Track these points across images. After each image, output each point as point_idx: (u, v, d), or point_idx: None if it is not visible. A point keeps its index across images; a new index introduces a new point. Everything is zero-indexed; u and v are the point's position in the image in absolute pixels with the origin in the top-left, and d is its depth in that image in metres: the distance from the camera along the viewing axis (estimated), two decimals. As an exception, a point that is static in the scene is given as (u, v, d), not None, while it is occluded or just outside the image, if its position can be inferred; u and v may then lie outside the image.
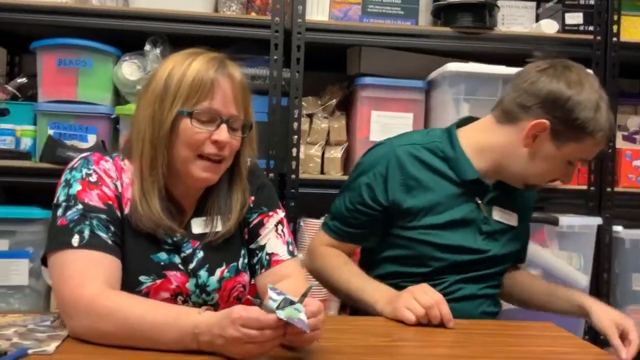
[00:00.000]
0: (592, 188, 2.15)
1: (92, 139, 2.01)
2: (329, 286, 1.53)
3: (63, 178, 1.19)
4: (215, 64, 1.18)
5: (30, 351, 0.95)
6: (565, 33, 2.17)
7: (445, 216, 1.45)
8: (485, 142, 1.46)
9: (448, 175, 1.47)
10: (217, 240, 1.26)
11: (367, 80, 2.09)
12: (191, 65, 1.17)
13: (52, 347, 0.99)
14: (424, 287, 1.31)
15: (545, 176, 1.44)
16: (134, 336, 1.01)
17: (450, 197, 1.46)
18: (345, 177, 2.06)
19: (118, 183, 1.20)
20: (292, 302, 0.94)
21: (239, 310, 0.93)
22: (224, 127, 1.17)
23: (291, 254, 1.32)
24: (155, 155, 1.18)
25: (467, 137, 1.49)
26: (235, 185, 1.29)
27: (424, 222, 1.44)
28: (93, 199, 1.15)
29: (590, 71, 1.96)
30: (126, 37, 2.06)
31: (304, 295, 0.97)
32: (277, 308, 0.92)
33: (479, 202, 1.46)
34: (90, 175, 1.17)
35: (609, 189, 2.15)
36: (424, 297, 1.27)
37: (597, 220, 2.08)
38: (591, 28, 2.16)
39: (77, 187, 1.16)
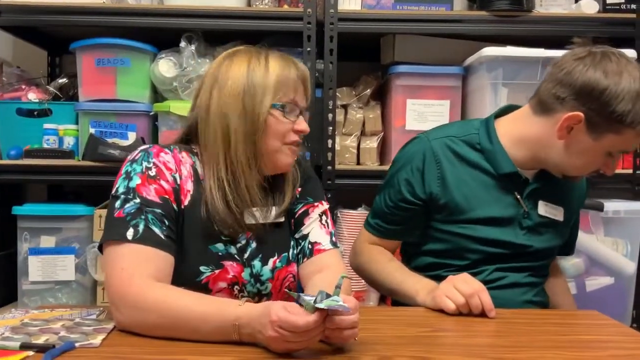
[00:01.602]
0: (637, 172, 2.09)
1: (132, 137, 2.05)
2: (372, 281, 1.53)
3: (123, 170, 1.23)
4: (290, 61, 1.28)
5: (77, 344, 0.98)
6: (606, 12, 2.10)
7: (484, 211, 1.42)
8: (522, 133, 1.42)
9: (485, 168, 1.44)
10: (269, 231, 1.29)
11: (402, 68, 2.07)
12: (269, 64, 1.25)
13: (98, 340, 1.01)
14: (465, 276, 1.30)
15: (584, 168, 1.39)
16: (179, 327, 1.03)
17: (488, 191, 1.43)
18: (382, 168, 2.06)
19: (177, 175, 1.24)
20: (328, 295, 0.94)
21: (278, 312, 0.94)
22: (303, 117, 1.28)
23: (334, 244, 1.34)
24: (249, 147, 1.23)
25: (505, 128, 1.45)
26: (286, 176, 1.33)
27: (462, 217, 1.42)
28: (150, 193, 1.18)
29: (634, 54, 1.93)
30: (162, 34, 2.09)
31: (338, 287, 0.97)
32: (315, 302, 0.92)
33: (518, 196, 1.43)
34: (150, 169, 1.21)
35: (655, 172, 2.08)
36: (464, 286, 1.26)
37: (644, 205, 2.02)
38: (634, 6, 2.08)
39: (136, 181, 1.19)
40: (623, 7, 2.10)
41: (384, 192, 1.52)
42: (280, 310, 0.94)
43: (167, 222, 1.18)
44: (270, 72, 1.23)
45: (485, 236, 1.42)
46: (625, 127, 1.28)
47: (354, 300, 0.99)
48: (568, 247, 1.64)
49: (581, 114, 1.30)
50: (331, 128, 2.04)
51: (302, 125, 1.27)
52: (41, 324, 1.10)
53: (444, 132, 1.49)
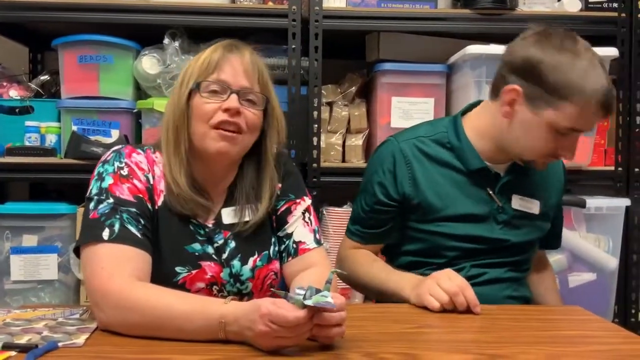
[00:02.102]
0: (619, 169, 2.11)
1: (115, 134, 2.03)
2: (360, 285, 1.53)
3: (96, 171, 1.22)
4: (224, 45, 1.24)
5: (60, 344, 0.97)
6: (589, 11, 2.12)
7: (457, 208, 1.43)
8: (484, 124, 1.43)
9: (456, 166, 1.45)
10: (248, 230, 1.27)
11: (387, 66, 2.07)
12: (204, 52, 1.24)
13: (81, 339, 1.01)
14: (449, 272, 1.29)
15: (537, 150, 1.34)
16: (162, 326, 1.02)
17: (460, 189, 1.44)
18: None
19: (150, 175, 1.22)
20: (318, 291, 0.94)
21: (268, 305, 0.94)
22: (233, 96, 1.21)
23: (318, 242, 1.33)
24: (177, 136, 1.23)
25: (471, 123, 1.46)
26: (263, 173, 1.30)
27: (436, 215, 1.43)
28: (124, 192, 1.17)
29: (615, 52, 1.95)
30: (145, 31, 2.07)
31: (328, 282, 0.98)
32: (304, 298, 0.93)
33: (490, 192, 1.43)
34: (122, 168, 1.20)
35: (636, 169, 2.10)
36: (447, 283, 1.25)
37: (625, 202, 2.05)
38: (615, 5, 2.10)
39: (109, 181, 1.18)
40: (605, 5, 2.12)
41: (360, 198, 1.53)
42: (271, 305, 0.94)
43: (142, 221, 1.17)
44: (200, 57, 1.23)
45: (460, 233, 1.43)
46: (562, 101, 1.26)
47: (342, 297, 0.99)
48: (553, 241, 1.64)
49: (518, 87, 1.31)
50: (316, 125, 2.04)
51: (228, 103, 1.19)
52: (23, 324, 1.09)
53: (412, 133, 1.50)
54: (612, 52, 1.96)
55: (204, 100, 1.20)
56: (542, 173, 1.49)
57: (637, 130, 2.10)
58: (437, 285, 1.26)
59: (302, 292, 0.94)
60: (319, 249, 1.33)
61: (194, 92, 1.22)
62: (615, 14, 2.10)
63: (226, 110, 1.19)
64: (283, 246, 1.33)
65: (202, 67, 1.22)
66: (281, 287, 1.34)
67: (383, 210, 1.47)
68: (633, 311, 2.08)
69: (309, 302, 0.92)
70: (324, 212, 2.10)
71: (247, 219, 1.27)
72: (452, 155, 1.45)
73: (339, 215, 2.08)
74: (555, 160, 1.41)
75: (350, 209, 1.98)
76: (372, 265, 1.48)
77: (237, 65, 1.23)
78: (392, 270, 1.44)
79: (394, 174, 1.45)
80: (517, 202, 1.46)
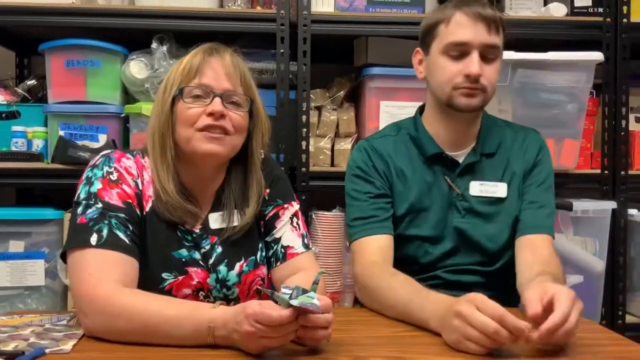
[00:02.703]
0: (605, 172, 2.13)
1: (102, 139, 2.02)
2: (378, 302, 1.31)
3: (84, 175, 1.21)
4: (205, 49, 1.24)
5: (47, 350, 0.97)
6: (575, 16, 2.14)
7: (420, 201, 1.46)
8: (428, 106, 1.54)
9: (417, 156, 1.50)
10: (235, 235, 1.27)
11: (375, 70, 2.08)
12: (186, 57, 1.25)
13: (68, 346, 1.00)
14: (475, 300, 1.01)
15: (444, 80, 1.42)
16: (149, 332, 1.02)
17: (422, 178, 1.47)
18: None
19: (139, 180, 1.22)
20: (304, 291, 0.94)
21: (254, 306, 0.94)
22: (217, 100, 1.20)
23: (306, 246, 1.33)
24: (163, 142, 1.22)
25: (425, 113, 1.55)
26: (249, 178, 1.30)
27: (403, 208, 1.46)
28: (113, 197, 1.16)
29: (601, 56, 1.96)
30: (133, 35, 2.06)
31: (315, 282, 0.98)
32: (290, 298, 0.93)
33: (449, 180, 1.46)
34: (111, 173, 1.19)
35: (622, 172, 2.12)
36: (479, 320, 0.99)
37: (612, 204, 2.06)
38: (600, 10, 2.13)
39: (97, 185, 1.17)
40: (590, 10, 2.14)
41: (349, 204, 1.51)
42: (256, 305, 0.94)
43: (130, 227, 1.16)
44: (182, 63, 1.24)
45: (425, 225, 1.45)
46: (437, 29, 1.42)
47: (328, 299, 0.99)
48: (532, 219, 1.44)
49: (418, 49, 1.52)
50: (305, 130, 2.04)
51: (212, 107, 1.20)
52: (10, 331, 1.08)
53: (379, 134, 1.59)
54: (597, 56, 1.98)
55: (187, 105, 1.20)
56: (510, 152, 1.49)
57: (622, 133, 2.12)
58: (469, 325, 1.00)
59: (289, 291, 0.94)
60: (307, 253, 1.33)
61: (177, 98, 1.21)
62: (601, 18, 2.12)
63: (210, 114, 1.19)
64: (271, 251, 1.33)
65: (184, 72, 1.22)
66: (270, 291, 1.34)
67: (373, 192, 1.48)
68: (620, 313, 2.10)
69: (294, 302, 0.92)
70: (313, 217, 2.09)
71: (235, 224, 1.27)
72: (414, 145, 1.51)
73: (328, 220, 2.08)
74: (468, 86, 1.39)
75: (340, 213, 1.99)
76: (392, 278, 1.29)
77: (219, 68, 1.23)
78: (415, 287, 1.23)
79: (374, 165, 1.50)
80: (477, 189, 1.46)
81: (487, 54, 1.40)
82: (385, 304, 1.27)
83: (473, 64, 1.37)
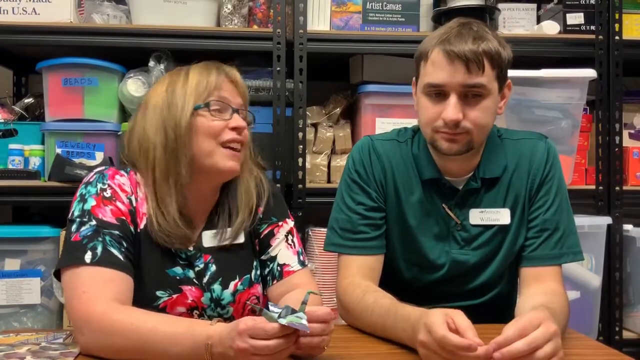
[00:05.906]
0: (600, 187, 2.14)
1: (99, 156, 2.02)
2: (364, 323, 1.26)
3: (78, 192, 1.21)
4: (211, 66, 1.26)
5: (43, 369, 0.96)
6: (567, 33, 2.17)
7: (415, 228, 1.35)
8: None
9: (416, 177, 1.37)
10: (229, 252, 1.26)
11: (371, 87, 2.10)
12: (189, 73, 1.24)
13: (65, 364, 0.99)
14: (430, 328, 0.98)
15: (423, 122, 1.31)
16: (146, 349, 1.01)
17: (419, 203, 1.36)
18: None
19: (133, 197, 1.21)
20: (293, 311, 0.94)
21: (247, 321, 0.94)
22: (236, 115, 1.24)
23: (302, 264, 1.33)
24: (168, 161, 1.20)
25: None
26: (242, 191, 1.30)
27: (396, 236, 1.37)
28: (107, 214, 1.16)
29: (594, 73, 1.98)
30: (130, 54, 2.08)
31: (304, 302, 0.97)
32: (279, 317, 0.92)
33: (444, 206, 1.34)
34: (104, 190, 1.19)
35: (617, 188, 2.13)
36: (428, 345, 0.99)
37: (607, 220, 2.07)
38: (593, 27, 2.15)
39: (91, 203, 1.17)
40: (583, 28, 2.17)
41: (341, 208, 1.40)
42: (249, 320, 0.94)
43: (124, 244, 1.16)
44: (190, 80, 1.23)
45: (419, 255, 1.36)
46: (418, 67, 1.31)
47: (327, 309, 0.98)
48: (544, 254, 1.33)
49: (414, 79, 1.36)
50: (301, 147, 2.05)
51: (236, 121, 1.23)
52: (6, 349, 1.08)
53: (386, 135, 1.46)
54: (590, 73, 2.01)
55: (212, 118, 1.21)
56: (515, 173, 1.36)
57: (616, 149, 2.14)
58: (435, 354, 0.99)
59: (278, 310, 0.94)
60: (303, 270, 1.33)
61: (194, 112, 1.21)
62: (593, 36, 2.15)
63: (234, 128, 1.22)
64: (267, 269, 1.33)
65: (201, 86, 1.22)
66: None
67: (367, 204, 1.38)
68: (617, 329, 2.10)
69: (282, 321, 0.91)
70: (310, 233, 2.10)
71: (227, 242, 1.27)
72: (413, 161, 1.38)
73: (325, 236, 2.07)
74: (447, 131, 1.25)
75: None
76: (379, 300, 1.23)
77: (233, 85, 1.26)
78: (384, 308, 1.19)
79: (371, 165, 1.39)
80: (478, 216, 1.34)
81: (470, 94, 1.24)
82: (364, 324, 1.25)
83: (448, 109, 1.23)
